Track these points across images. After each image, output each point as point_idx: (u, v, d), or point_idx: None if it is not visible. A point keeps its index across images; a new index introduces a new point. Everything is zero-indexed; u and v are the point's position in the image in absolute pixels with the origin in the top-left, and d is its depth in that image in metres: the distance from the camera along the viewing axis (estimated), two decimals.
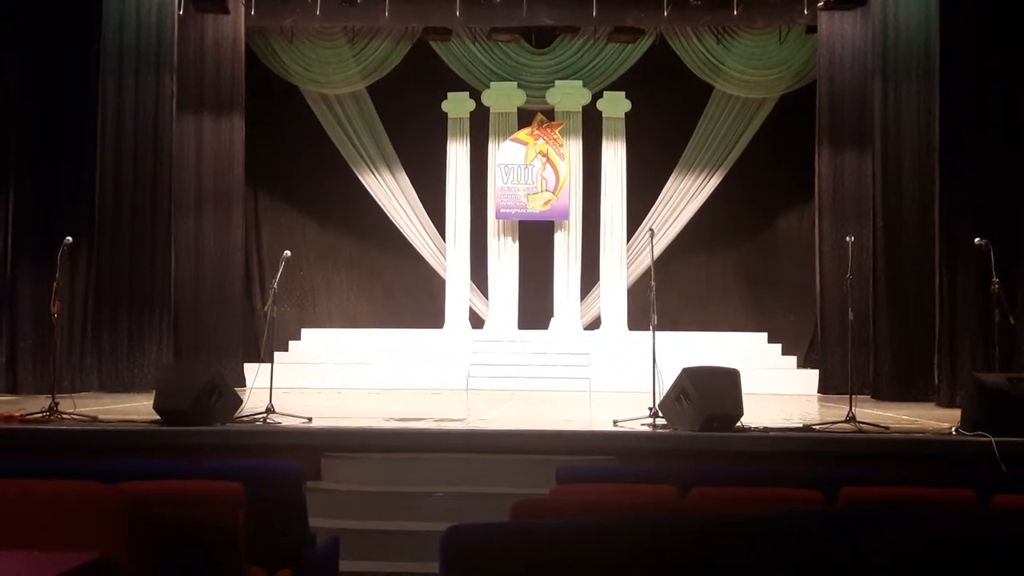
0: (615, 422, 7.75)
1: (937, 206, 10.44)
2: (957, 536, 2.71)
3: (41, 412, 7.86)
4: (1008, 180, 10.13)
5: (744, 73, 13.52)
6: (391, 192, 14.02)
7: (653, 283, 8.23)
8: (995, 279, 8.23)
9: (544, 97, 13.89)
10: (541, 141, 13.80)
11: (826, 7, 11.78)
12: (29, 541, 2.97)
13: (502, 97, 13.91)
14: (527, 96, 13.94)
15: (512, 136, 13.86)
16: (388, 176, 14.00)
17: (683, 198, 13.91)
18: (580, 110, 13.91)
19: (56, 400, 7.99)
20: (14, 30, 10.93)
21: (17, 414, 7.90)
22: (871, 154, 11.64)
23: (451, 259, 13.88)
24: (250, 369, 10.66)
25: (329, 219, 14.44)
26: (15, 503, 3.24)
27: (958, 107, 10.27)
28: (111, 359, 11.27)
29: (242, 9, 12.30)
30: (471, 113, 14.00)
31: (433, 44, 13.74)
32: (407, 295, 14.47)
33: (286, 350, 13.24)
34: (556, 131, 13.83)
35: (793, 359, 13.17)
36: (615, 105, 13.88)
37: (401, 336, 13.47)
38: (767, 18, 12.83)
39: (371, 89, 13.92)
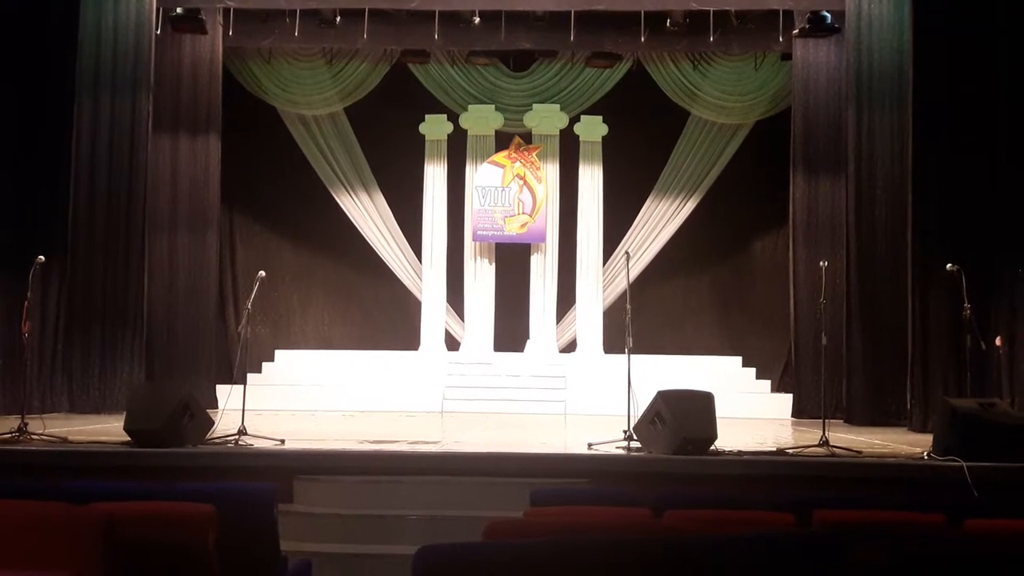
0: (590, 445, 7.75)
1: (910, 232, 10.54)
2: (928, 559, 2.72)
3: (10, 432, 7.75)
4: (980, 206, 10.24)
5: (720, 99, 13.62)
6: (368, 213, 14.00)
7: (629, 306, 8.24)
8: (967, 304, 8.29)
9: (522, 120, 13.95)
10: (518, 164, 13.83)
11: (801, 35, 11.89)
12: None
13: (480, 120, 13.95)
14: (505, 119, 13.99)
15: (489, 159, 13.89)
16: (365, 197, 13.98)
17: (659, 222, 13.97)
18: (557, 133, 13.97)
19: (25, 421, 7.90)
20: None
21: None
22: (845, 180, 11.74)
23: (427, 281, 13.86)
24: (223, 390, 10.57)
25: (305, 240, 14.39)
26: None
27: (931, 134, 10.38)
28: (82, 379, 11.16)
29: (220, 29, 12.29)
30: (448, 135, 14.01)
31: (411, 66, 13.77)
32: (383, 317, 14.41)
33: (260, 371, 13.14)
34: (533, 154, 13.87)
35: (767, 383, 13.20)
36: (592, 129, 13.94)
37: (376, 358, 13.40)
38: (743, 45, 12.95)
39: (349, 110, 13.93)
